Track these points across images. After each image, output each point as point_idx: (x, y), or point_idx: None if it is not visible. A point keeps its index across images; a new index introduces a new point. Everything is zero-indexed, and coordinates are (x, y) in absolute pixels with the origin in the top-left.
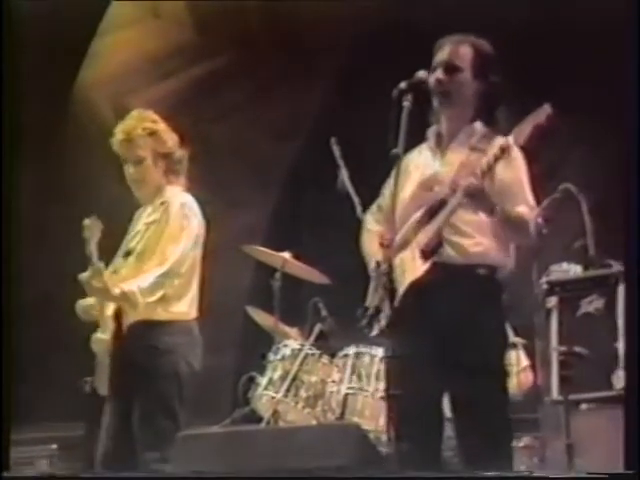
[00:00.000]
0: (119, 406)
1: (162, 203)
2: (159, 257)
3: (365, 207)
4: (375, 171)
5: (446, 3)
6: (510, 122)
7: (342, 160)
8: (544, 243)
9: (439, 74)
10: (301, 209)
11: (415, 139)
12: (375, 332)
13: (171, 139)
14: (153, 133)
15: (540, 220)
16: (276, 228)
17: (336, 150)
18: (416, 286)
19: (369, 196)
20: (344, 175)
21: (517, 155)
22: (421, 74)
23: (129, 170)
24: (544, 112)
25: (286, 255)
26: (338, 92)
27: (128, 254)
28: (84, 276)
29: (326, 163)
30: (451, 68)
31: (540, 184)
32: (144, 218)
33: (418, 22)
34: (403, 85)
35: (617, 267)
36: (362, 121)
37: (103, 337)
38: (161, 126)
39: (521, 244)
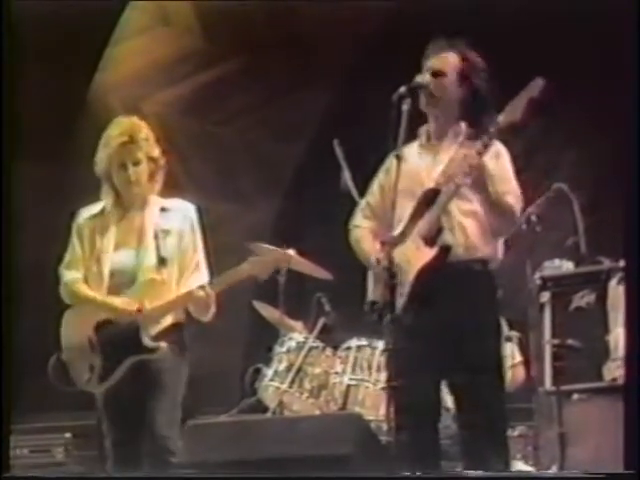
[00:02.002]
0: (129, 405)
1: (163, 209)
2: (192, 266)
3: None
4: (377, 171)
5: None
6: (494, 121)
7: (345, 161)
8: (537, 240)
9: (427, 77)
10: (305, 208)
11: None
12: (386, 324)
13: (156, 146)
14: (148, 138)
15: (534, 218)
16: (282, 226)
17: (339, 151)
18: (424, 274)
19: None
20: (347, 175)
21: (500, 147)
22: (420, 78)
23: (128, 172)
24: (537, 85)
25: (291, 252)
26: (341, 94)
27: (162, 262)
28: (198, 291)
29: (329, 164)
30: (437, 73)
31: (534, 183)
32: (150, 224)
33: (419, 22)
34: (402, 90)
35: (607, 263)
36: (364, 122)
37: (163, 345)
38: (150, 133)
39: (506, 233)
